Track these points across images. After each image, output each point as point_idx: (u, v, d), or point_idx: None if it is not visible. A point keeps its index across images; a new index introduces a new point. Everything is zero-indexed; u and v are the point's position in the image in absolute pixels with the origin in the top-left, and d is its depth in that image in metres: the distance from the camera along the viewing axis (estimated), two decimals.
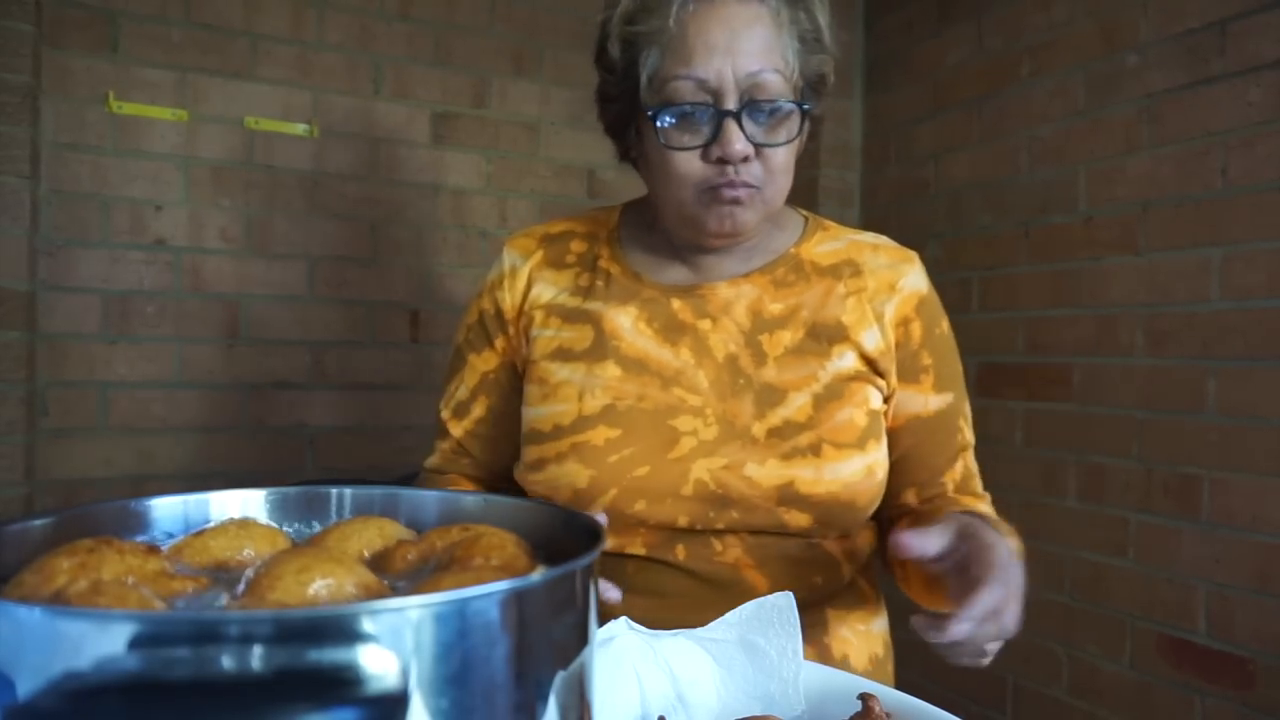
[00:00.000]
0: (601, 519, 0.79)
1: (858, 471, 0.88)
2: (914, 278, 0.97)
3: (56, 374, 1.92)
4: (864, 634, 0.96)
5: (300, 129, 2.13)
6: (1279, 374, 1.67)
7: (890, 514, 0.98)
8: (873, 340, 0.93)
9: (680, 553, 0.89)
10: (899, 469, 0.95)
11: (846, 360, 0.91)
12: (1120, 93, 1.96)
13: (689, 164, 0.87)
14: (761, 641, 0.66)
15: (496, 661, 0.30)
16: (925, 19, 2.46)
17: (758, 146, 0.87)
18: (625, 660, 0.64)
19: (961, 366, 0.99)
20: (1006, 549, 0.73)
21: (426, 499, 0.48)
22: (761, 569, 0.89)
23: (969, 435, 0.99)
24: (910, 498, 0.97)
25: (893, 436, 0.95)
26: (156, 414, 2.00)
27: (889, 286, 0.95)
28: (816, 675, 0.66)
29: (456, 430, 1.03)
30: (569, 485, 0.89)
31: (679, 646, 0.67)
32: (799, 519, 0.88)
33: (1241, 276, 1.72)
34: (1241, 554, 1.73)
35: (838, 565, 0.93)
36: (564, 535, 0.42)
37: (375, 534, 0.42)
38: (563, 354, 0.94)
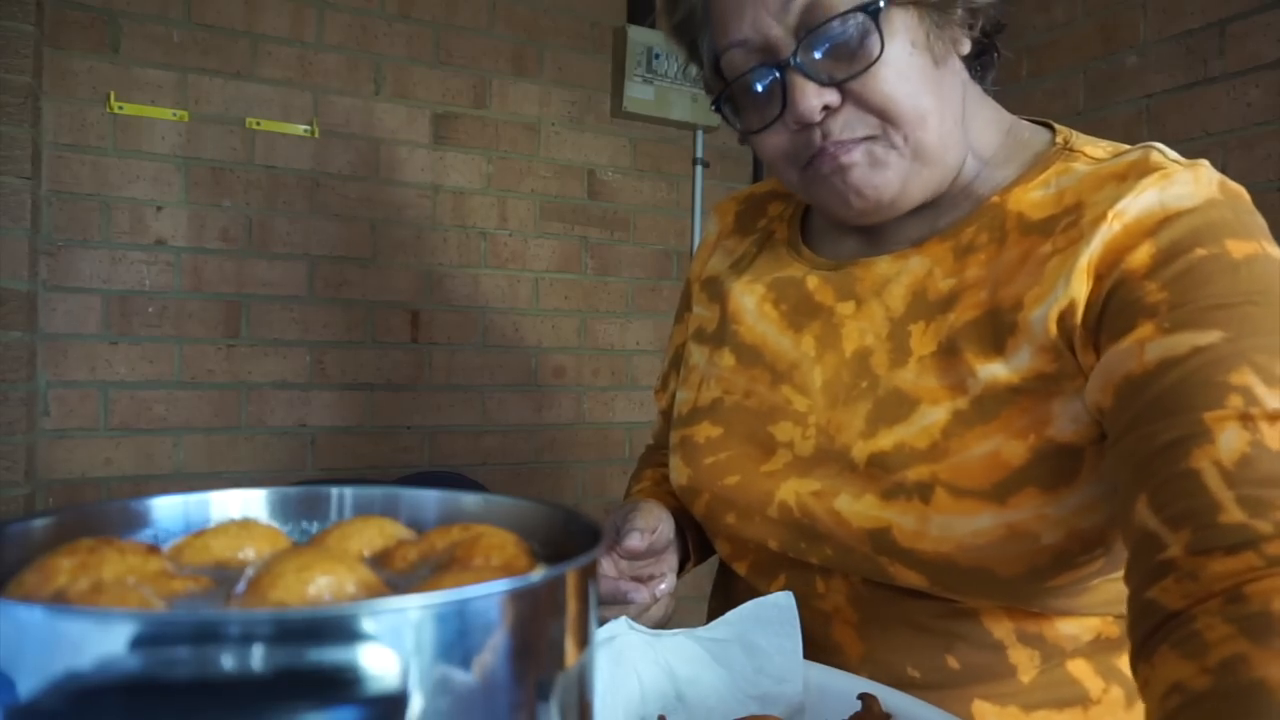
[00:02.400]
0: (636, 543, 0.71)
1: (988, 532, 0.61)
2: (1155, 195, 0.60)
3: (57, 374, 1.92)
4: None
5: (301, 129, 2.13)
6: None
7: (1131, 556, 0.54)
8: (1050, 310, 0.61)
9: (778, 585, 0.74)
10: (1125, 469, 0.56)
11: (1016, 362, 0.62)
12: (1120, 93, 1.96)
13: (774, 144, 0.70)
14: (761, 641, 0.66)
15: (496, 661, 0.30)
16: None
17: (842, 86, 0.65)
18: (625, 660, 0.64)
19: (1261, 307, 0.55)
20: None
21: (426, 499, 0.48)
22: (862, 629, 0.69)
23: (1276, 401, 0.51)
24: (1144, 513, 0.52)
25: (1112, 424, 0.58)
26: (157, 414, 2.00)
27: (1099, 219, 0.61)
28: (816, 675, 0.66)
29: (662, 402, 0.97)
30: (675, 480, 0.80)
31: (679, 646, 0.67)
32: (908, 575, 0.65)
33: None
34: None
35: (997, 649, 0.66)
36: (564, 535, 0.43)
37: (375, 534, 0.42)
38: (699, 335, 0.86)
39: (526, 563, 0.39)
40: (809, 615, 0.68)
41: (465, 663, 0.28)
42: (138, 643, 0.25)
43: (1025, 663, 0.67)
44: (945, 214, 0.72)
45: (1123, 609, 0.64)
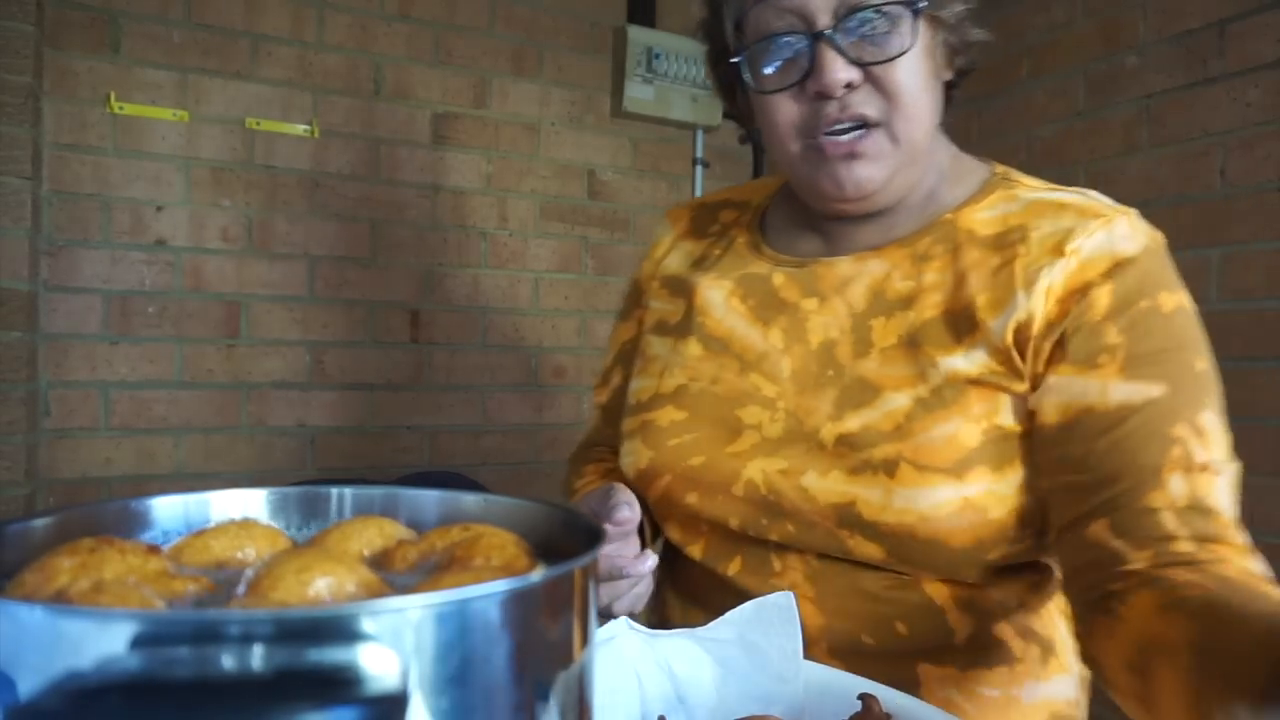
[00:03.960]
0: (626, 516, 0.71)
1: (946, 504, 0.68)
2: (1105, 237, 0.70)
3: (58, 374, 1.92)
4: (998, 702, 0.74)
5: (300, 129, 2.13)
6: (1278, 374, 1.67)
7: (1080, 562, 0.67)
8: (1008, 320, 0.70)
9: (735, 566, 0.79)
10: (1073, 489, 0.68)
11: (974, 357, 0.71)
12: (1120, 93, 1.96)
13: (785, 108, 0.74)
14: (761, 641, 0.66)
15: (496, 661, 0.30)
16: None
17: (865, 67, 0.71)
18: (625, 660, 0.64)
19: (1202, 364, 0.69)
20: None
21: (426, 499, 0.48)
22: (820, 603, 0.75)
23: (1205, 457, 0.66)
24: (1103, 533, 0.66)
25: (1062, 441, 0.69)
26: (157, 414, 2.01)
27: (1054, 250, 0.71)
28: (817, 675, 0.66)
29: (602, 399, 0.99)
30: (632, 464, 0.83)
31: (679, 646, 0.67)
32: (866, 548, 0.71)
33: (1240, 277, 1.72)
34: None
35: (939, 614, 0.73)
36: (564, 535, 0.43)
37: (375, 534, 0.42)
38: (660, 327, 0.90)
39: (526, 563, 0.39)
40: (767, 592, 0.70)
41: (465, 662, 0.28)
42: (138, 643, 0.25)
43: (961, 627, 0.74)
44: (901, 224, 0.80)
45: (1036, 578, 0.78)
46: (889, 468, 0.70)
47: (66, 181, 1.92)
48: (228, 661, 0.25)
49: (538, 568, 0.38)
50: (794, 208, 0.88)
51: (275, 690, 0.25)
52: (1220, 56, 1.78)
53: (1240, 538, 0.66)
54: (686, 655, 0.66)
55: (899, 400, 0.72)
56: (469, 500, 0.47)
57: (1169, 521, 0.64)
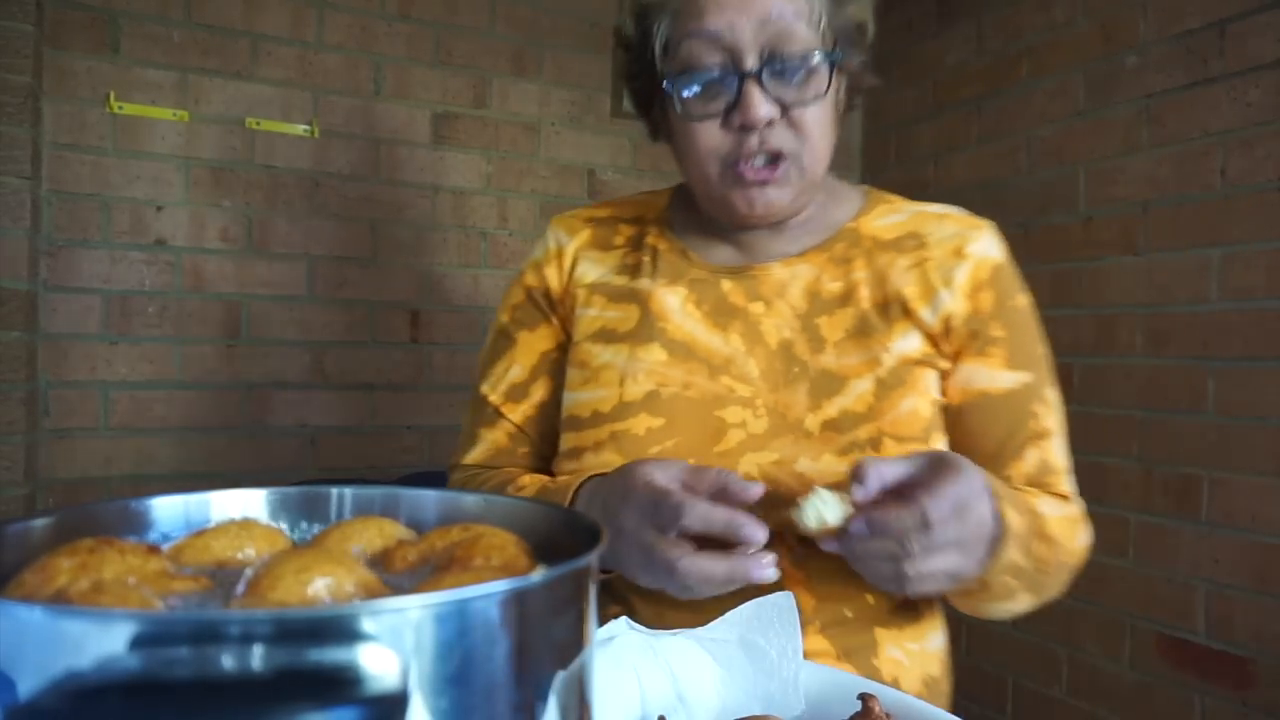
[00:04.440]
0: (758, 488, 0.71)
1: None
2: (985, 244, 0.87)
3: (57, 374, 1.92)
4: (917, 654, 0.85)
5: (300, 129, 2.13)
6: (1278, 374, 1.67)
7: None
8: (938, 312, 0.84)
9: None
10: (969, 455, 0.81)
11: (911, 342, 0.84)
12: (1120, 93, 1.96)
13: (709, 135, 0.81)
14: (761, 641, 0.66)
15: (496, 661, 0.30)
16: (925, 19, 2.46)
17: (785, 107, 0.80)
18: (625, 660, 0.64)
19: (1043, 349, 0.89)
20: (980, 486, 0.68)
21: (426, 499, 0.48)
22: (809, 585, 0.80)
23: (1049, 423, 0.87)
24: None
25: (957, 417, 0.86)
26: (157, 414, 2.00)
27: (955, 253, 0.86)
28: (816, 675, 0.66)
29: (515, 415, 0.95)
30: None
31: (679, 646, 0.67)
32: None
33: (1241, 276, 1.72)
34: (1241, 554, 1.73)
35: None
36: (564, 535, 0.43)
37: (375, 534, 0.42)
38: (606, 335, 0.89)
39: (526, 563, 0.39)
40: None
41: (465, 662, 0.28)
42: (138, 643, 0.25)
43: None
44: (808, 235, 0.90)
45: None
46: (874, 444, 0.80)
47: (66, 181, 1.92)
48: (228, 661, 0.25)
49: (538, 568, 0.38)
50: (697, 220, 0.92)
51: (275, 690, 0.25)
52: (1220, 56, 1.78)
53: (1065, 485, 0.87)
54: (687, 655, 0.66)
55: (863, 385, 0.82)
56: (469, 500, 0.47)
57: (1018, 485, 0.84)
